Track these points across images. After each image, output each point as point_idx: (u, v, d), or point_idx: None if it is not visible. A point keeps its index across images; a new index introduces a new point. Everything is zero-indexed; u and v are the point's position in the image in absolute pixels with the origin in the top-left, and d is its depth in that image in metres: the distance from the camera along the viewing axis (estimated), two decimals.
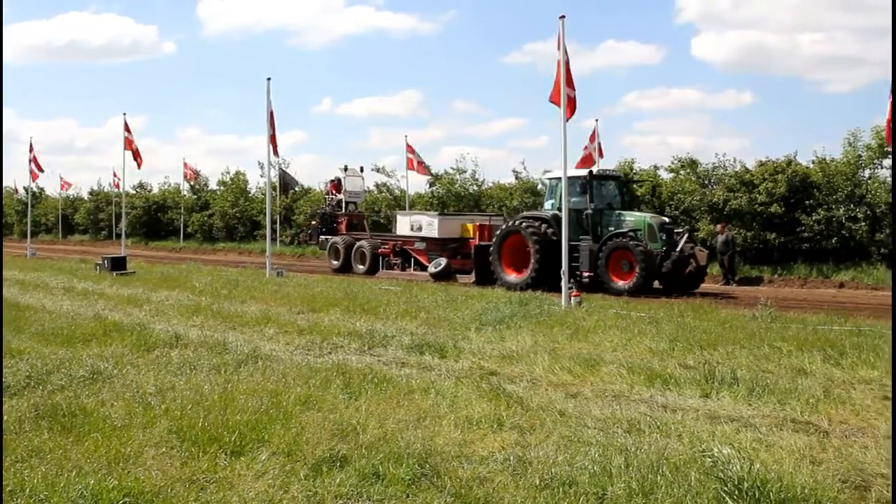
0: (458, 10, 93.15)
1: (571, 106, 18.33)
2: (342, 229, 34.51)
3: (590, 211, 23.42)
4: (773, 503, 5.50)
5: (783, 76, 79.13)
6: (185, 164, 56.99)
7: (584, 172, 24.32)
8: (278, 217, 46.26)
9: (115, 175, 51.97)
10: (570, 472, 6.18)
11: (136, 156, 34.17)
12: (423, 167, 39.21)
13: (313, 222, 36.85)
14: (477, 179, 42.22)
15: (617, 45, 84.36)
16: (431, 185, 42.16)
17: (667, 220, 24.30)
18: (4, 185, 70.59)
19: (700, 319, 14.88)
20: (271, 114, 27.07)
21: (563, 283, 18.39)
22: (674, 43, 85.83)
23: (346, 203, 35.86)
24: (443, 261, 27.70)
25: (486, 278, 24.84)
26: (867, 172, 29.25)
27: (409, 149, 38.20)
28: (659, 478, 5.97)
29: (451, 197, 40.93)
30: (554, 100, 18.27)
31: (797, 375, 10.04)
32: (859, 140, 29.25)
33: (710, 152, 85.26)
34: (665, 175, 34.40)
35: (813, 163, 30.63)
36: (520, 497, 5.74)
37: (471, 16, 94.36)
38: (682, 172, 33.26)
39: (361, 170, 37.55)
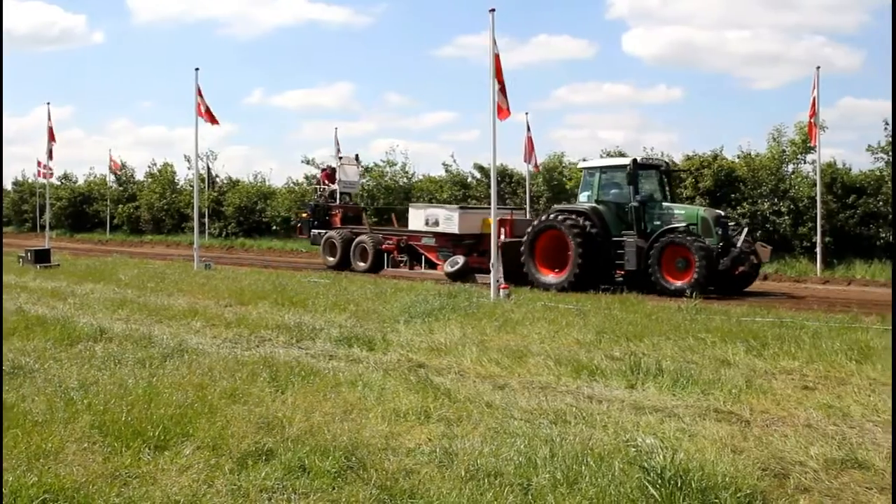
0: (391, 2, 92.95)
1: (501, 101, 18.36)
2: (336, 222, 31.88)
3: (635, 204, 21.41)
4: (695, 491, 5.57)
5: (712, 72, 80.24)
6: (111, 157, 56.21)
7: (626, 161, 22.15)
8: (206, 210, 45.76)
9: (39, 165, 50.90)
10: (495, 464, 6.21)
11: (51, 137, 33.61)
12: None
13: (303, 215, 33.93)
14: (407, 172, 42.32)
15: (549, 39, 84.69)
16: (361, 177, 42.01)
17: (721, 213, 22.10)
18: None
19: (627, 311, 15.06)
20: (199, 104, 26.71)
21: (492, 276, 18.48)
22: (605, 38, 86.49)
23: (341, 194, 33.20)
24: (460, 259, 24.74)
25: (514, 279, 21.72)
26: (791, 167, 29.89)
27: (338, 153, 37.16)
28: (583, 468, 6.02)
29: (381, 189, 40.88)
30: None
31: (720, 366, 10.21)
32: (783, 135, 29.91)
33: (639, 147, 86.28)
34: None
35: (738, 157, 31.23)
36: (445, 489, 5.75)
37: (403, 9, 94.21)
38: None
39: (357, 158, 35.01)
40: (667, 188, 22.83)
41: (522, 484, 5.85)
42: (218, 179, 49.26)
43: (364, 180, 41.77)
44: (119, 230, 55.03)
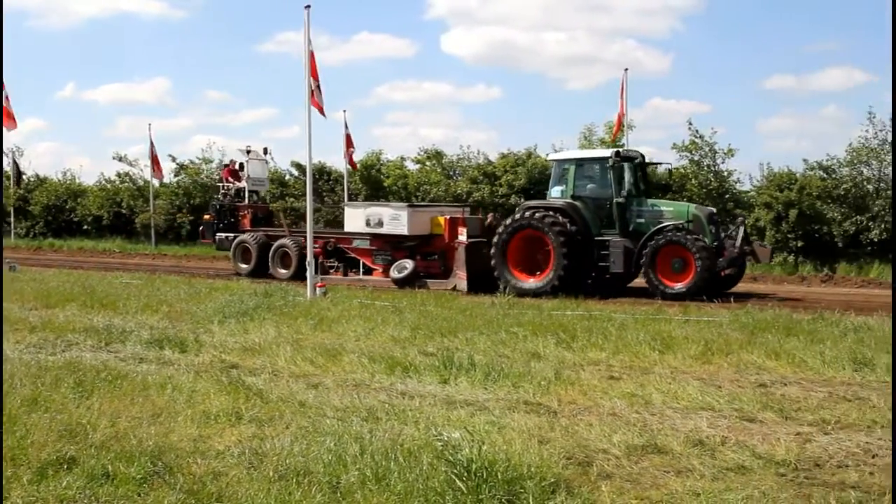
0: None
1: (316, 98, 18.33)
2: (245, 224, 27.92)
3: (620, 200, 19.54)
4: (500, 482, 5.70)
5: (529, 72, 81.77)
6: None
7: (607, 153, 20.35)
8: (12, 209, 43.79)
9: None
10: (305, 463, 6.21)
11: None
12: (158, 168, 37.57)
13: (206, 217, 29.85)
14: None
15: (370, 37, 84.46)
16: (177, 174, 41.04)
17: (713, 210, 20.76)
18: None
19: (442, 307, 15.27)
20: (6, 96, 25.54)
21: (309, 273, 18.39)
22: (425, 38, 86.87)
23: (249, 192, 28.95)
24: (408, 263, 21.90)
25: (480, 284, 20.01)
26: None
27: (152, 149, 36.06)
28: (392, 464, 6.08)
29: (198, 187, 39.97)
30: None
31: (531, 359, 10.51)
32: (594, 134, 30.90)
33: (457, 144, 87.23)
34: (412, 166, 35.15)
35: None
36: (253, 490, 5.71)
37: (222, 2, 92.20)
38: (427, 164, 33.97)
39: (265, 151, 30.69)
40: (641, 183, 20.87)
41: (331, 482, 5.87)
42: (25, 177, 47.21)
43: (180, 178, 40.72)
44: None
